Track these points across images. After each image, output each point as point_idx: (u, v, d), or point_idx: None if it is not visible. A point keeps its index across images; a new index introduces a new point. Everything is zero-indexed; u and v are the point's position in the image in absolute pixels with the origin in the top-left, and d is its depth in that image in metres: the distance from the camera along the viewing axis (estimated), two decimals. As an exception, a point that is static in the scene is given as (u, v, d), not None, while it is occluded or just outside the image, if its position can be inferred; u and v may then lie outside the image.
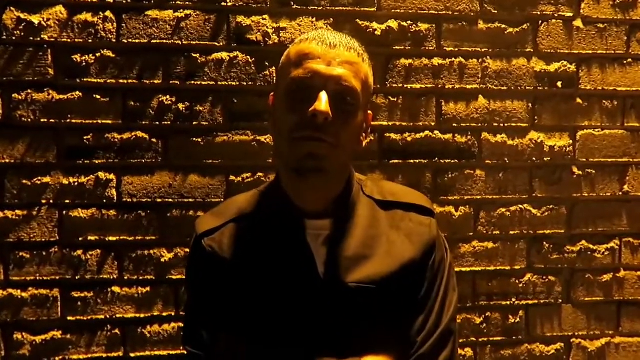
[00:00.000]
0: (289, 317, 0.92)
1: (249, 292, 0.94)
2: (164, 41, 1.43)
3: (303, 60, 0.90)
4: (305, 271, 0.93)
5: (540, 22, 1.57)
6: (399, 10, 1.51)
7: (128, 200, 1.44)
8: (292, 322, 0.92)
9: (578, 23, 1.58)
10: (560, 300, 1.61)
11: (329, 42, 0.90)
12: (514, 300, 1.59)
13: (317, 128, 0.86)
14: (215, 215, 1.02)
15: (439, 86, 1.53)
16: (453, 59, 1.54)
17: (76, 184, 1.42)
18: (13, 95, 1.39)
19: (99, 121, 1.42)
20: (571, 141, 1.60)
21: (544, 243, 1.59)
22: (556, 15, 1.57)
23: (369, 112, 0.99)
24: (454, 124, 1.55)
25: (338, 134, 0.88)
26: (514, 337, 1.59)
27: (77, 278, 1.43)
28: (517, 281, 1.59)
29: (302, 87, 0.88)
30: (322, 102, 0.85)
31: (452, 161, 1.55)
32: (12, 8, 1.38)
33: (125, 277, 1.44)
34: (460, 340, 1.56)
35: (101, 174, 1.43)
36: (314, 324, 0.91)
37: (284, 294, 0.93)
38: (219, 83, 1.45)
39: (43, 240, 1.41)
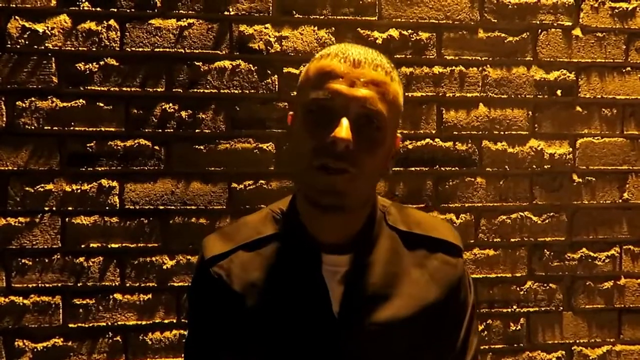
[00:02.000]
0: (299, 358, 0.85)
1: (258, 327, 0.87)
2: (167, 50, 1.45)
3: (323, 80, 0.80)
4: (319, 310, 0.85)
5: (539, 31, 1.58)
6: (399, 19, 1.52)
7: (130, 207, 1.44)
8: None
9: (577, 32, 1.60)
10: (561, 308, 1.61)
11: (353, 58, 0.81)
12: (515, 307, 1.59)
13: (338, 156, 0.77)
14: (224, 237, 0.93)
15: (440, 94, 1.55)
16: (453, 67, 1.55)
17: (79, 191, 1.43)
18: (17, 103, 1.40)
19: (102, 129, 1.43)
20: (571, 149, 1.61)
21: (545, 250, 1.60)
22: (555, 24, 1.59)
23: (398, 134, 0.89)
24: (455, 132, 1.56)
25: (361, 162, 0.79)
26: (515, 345, 1.59)
27: (79, 285, 1.43)
28: (518, 288, 1.59)
29: (322, 110, 0.80)
30: (343, 128, 0.77)
31: (453, 169, 1.56)
32: (16, 17, 1.39)
33: (127, 284, 1.45)
34: (462, 348, 1.56)
35: (104, 181, 1.43)
36: None
37: (296, 332, 0.85)
38: (222, 91, 1.46)
39: (45, 247, 1.42)
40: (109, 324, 1.44)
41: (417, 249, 0.91)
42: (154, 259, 1.45)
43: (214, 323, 0.90)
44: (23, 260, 1.41)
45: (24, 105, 1.40)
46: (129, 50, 1.43)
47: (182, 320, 1.46)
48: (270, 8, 1.47)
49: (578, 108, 1.61)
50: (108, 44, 1.43)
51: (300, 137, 0.82)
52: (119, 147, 1.44)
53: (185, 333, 1.45)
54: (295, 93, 0.91)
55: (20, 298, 1.41)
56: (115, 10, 1.43)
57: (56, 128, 1.41)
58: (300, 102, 0.85)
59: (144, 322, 1.45)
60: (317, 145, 0.79)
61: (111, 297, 1.44)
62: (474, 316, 0.94)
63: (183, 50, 1.45)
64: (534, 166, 1.59)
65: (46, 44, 1.40)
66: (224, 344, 0.90)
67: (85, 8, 1.41)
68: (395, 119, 0.86)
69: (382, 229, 0.91)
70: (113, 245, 1.44)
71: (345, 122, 0.77)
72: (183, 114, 1.46)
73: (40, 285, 1.42)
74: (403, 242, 0.91)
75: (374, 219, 0.90)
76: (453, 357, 0.91)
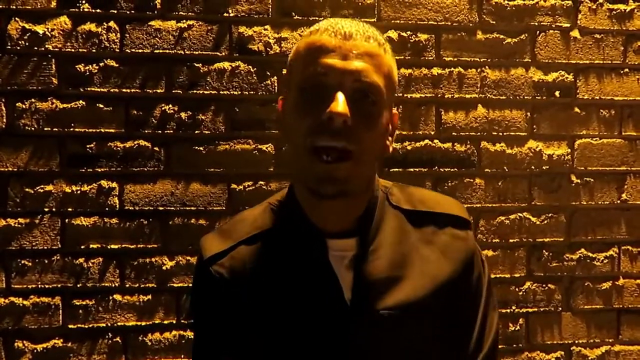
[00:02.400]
0: (312, 350, 0.82)
1: (267, 324, 0.83)
2: (167, 51, 1.45)
3: (315, 55, 0.78)
4: (329, 298, 0.82)
5: (538, 32, 1.59)
6: (398, 21, 1.53)
7: (130, 208, 1.45)
8: (316, 356, 0.82)
9: (575, 33, 1.61)
10: (560, 308, 1.61)
11: (344, 31, 0.78)
12: (514, 308, 1.59)
13: (335, 133, 0.74)
14: (223, 235, 0.90)
15: (439, 95, 1.55)
16: (452, 68, 1.56)
17: (79, 192, 1.43)
18: (17, 104, 1.40)
19: (102, 130, 1.43)
20: (569, 150, 1.61)
21: (544, 251, 1.60)
22: (554, 25, 1.60)
23: (395, 111, 0.86)
24: (454, 133, 1.56)
25: (360, 138, 0.76)
26: (514, 345, 1.59)
27: (78, 286, 1.43)
28: (517, 289, 1.59)
29: (315, 87, 0.77)
30: (339, 102, 0.74)
31: (452, 170, 1.56)
32: (17, 18, 1.40)
33: (127, 285, 1.45)
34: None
35: (103, 182, 1.44)
36: (340, 356, 0.81)
37: (306, 324, 0.82)
38: (221, 92, 1.47)
39: (45, 248, 1.42)
40: (109, 324, 1.44)
41: (424, 226, 0.88)
42: (153, 259, 1.46)
43: (220, 324, 0.87)
44: (23, 261, 1.41)
45: (24, 106, 1.41)
46: (129, 51, 1.44)
47: (182, 321, 1.47)
48: (270, 9, 1.48)
49: (576, 109, 1.62)
50: (108, 45, 1.43)
51: (294, 118, 0.79)
52: (119, 148, 1.44)
53: (185, 334, 1.46)
54: (285, 75, 0.89)
55: (20, 299, 1.41)
56: (115, 11, 1.43)
57: (56, 129, 1.42)
58: (292, 82, 0.82)
59: (143, 323, 1.45)
60: (312, 123, 0.76)
61: (111, 298, 1.44)
62: (490, 292, 0.90)
63: (183, 52, 1.46)
64: (533, 167, 1.59)
65: (46, 46, 1.41)
66: (232, 343, 0.86)
67: (85, 10, 1.42)
68: (391, 93, 0.82)
69: (386, 210, 0.88)
70: (113, 246, 1.44)
71: (341, 96, 0.75)
72: (183, 115, 1.46)
73: (40, 286, 1.42)
74: (409, 221, 0.88)
75: (376, 200, 0.87)
76: (474, 337, 0.86)
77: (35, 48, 1.40)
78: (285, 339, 0.83)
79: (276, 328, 0.83)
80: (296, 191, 0.87)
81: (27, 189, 1.41)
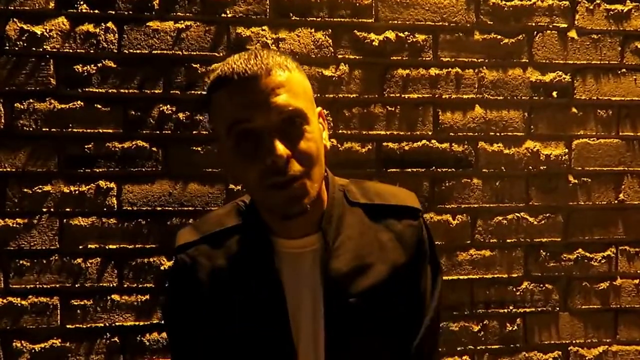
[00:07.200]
0: (267, 343, 0.90)
1: (223, 314, 0.92)
2: (165, 52, 1.45)
3: (234, 108, 0.83)
4: (270, 299, 0.90)
5: (535, 32, 1.59)
6: (396, 22, 1.53)
7: (128, 208, 1.45)
8: (281, 348, 0.90)
9: (572, 34, 1.61)
10: (558, 308, 1.62)
11: (248, 75, 0.82)
12: (511, 308, 1.59)
13: (283, 170, 0.82)
14: (193, 229, 0.99)
15: (436, 96, 1.55)
16: (449, 69, 1.56)
17: (77, 192, 1.43)
18: (15, 105, 1.41)
19: (100, 130, 1.44)
20: (567, 150, 1.61)
21: (541, 251, 1.61)
22: (551, 26, 1.60)
23: (318, 109, 0.93)
24: (451, 133, 1.56)
25: (304, 158, 0.84)
26: (511, 345, 1.60)
27: (76, 286, 1.44)
28: (514, 289, 1.60)
29: (246, 136, 0.83)
30: (275, 146, 0.81)
31: (449, 170, 1.56)
32: (15, 19, 1.40)
33: (125, 285, 1.45)
34: (458, 348, 1.57)
35: (102, 183, 1.44)
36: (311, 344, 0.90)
37: (251, 325, 0.91)
38: (219, 93, 1.47)
39: (43, 248, 1.42)
40: (107, 324, 1.45)
41: (381, 218, 0.97)
42: (151, 260, 1.46)
43: (183, 307, 0.96)
44: (21, 262, 1.42)
45: (22, 107, 1.41)
46: (127, 52, 1.44)
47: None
48: (267, 10, 1.48)
49: (574, 109, 1.62)
50: (106, 46, 1.43)
51: (241, 167, 0.86)
52: (117, 149, 1.44)
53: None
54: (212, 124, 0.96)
55: (18, 299, 1.42)
56: (113, 12, 1.43)
57: (54, 130, 1.42)
58: (222, 136, 0.86)
59: (141, 323, 1.46)
60: (260, 168, 0.83)
61: (109, 298, 1.45)
62: (435, 262, 1.01)
63: (180, 52, 1.46)
64: (530, 167, 1.59)
65: (44, 46, 1.41)
66: (193, 327, 0.94)
67: (84, 10, 1.42)
68: (310, 103, 0.89)
69: (345, 208, 0.96)
70: (111, 247, 1.44)
71: (276, 142, 0.81)
72: (180, 115, 1.46)
73: (38, 286, 1.42)
74: (367, 214, 0.97)
75: (333, 200, 0.95)
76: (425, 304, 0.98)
77: (34, 49, 1.41)
78: (240, 330, 0.91)
79: (231, 319, 0.92)
80: (256, 205, 0.94)
81: (25, 190, 1.41)
